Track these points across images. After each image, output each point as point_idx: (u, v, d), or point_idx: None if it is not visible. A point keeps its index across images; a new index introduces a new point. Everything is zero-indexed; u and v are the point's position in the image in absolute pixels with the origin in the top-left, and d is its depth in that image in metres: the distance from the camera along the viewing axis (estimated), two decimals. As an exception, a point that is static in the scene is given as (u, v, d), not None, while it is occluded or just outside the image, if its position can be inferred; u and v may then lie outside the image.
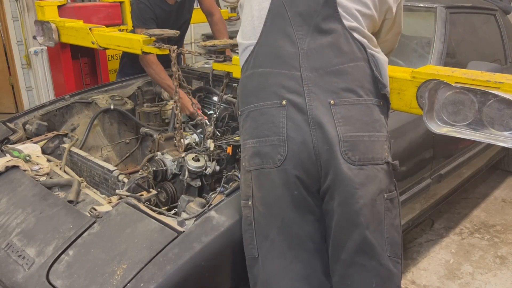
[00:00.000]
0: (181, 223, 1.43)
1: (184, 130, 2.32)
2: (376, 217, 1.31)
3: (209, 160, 1.97)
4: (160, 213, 1.53)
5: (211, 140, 2.04)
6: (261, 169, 1.34)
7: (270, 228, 1.34)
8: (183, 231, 1.39)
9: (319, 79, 1.34)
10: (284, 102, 1.32)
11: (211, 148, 2.00)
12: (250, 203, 1.37)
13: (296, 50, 1.37)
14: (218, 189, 1.61)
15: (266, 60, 1.39)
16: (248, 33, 1.46)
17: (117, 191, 1.71)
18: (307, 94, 1.32)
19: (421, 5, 2.65)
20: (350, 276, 1.33)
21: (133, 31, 2.81)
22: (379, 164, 1.32)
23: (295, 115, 1.31)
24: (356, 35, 1.39)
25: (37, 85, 4.31)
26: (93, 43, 2.65)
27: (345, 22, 1.39)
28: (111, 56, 4.04)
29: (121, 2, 3.83)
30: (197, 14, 3.35)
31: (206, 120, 2.30)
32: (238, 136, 2.10)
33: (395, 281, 1.35)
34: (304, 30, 1.39)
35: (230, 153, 2.03)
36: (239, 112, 1.44)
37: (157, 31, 2.22)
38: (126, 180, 1.77)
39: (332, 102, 1.32)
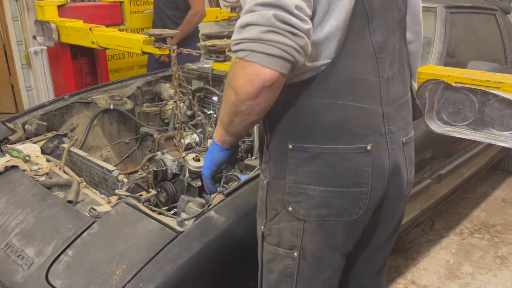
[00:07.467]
0: (180, 223, 1.42)
1: (184, 130, 2.32)
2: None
3: (209, 160, 1.97)
4: (159, 213, 1.53)
5: (212, 140, 2.03)
6: (326, 221, 1.14)
7: (315, 281, 1.22)
8: (183, 231, 1.38)
9: (394, 115, 1.17)
10: (369, 147, 1.10)
11: (211, 148, 1.99)
12: (295, 254, 1.18)
13: (377, 79, 1.12)
14: (218, 189, 1.61)
15: (345, 89, 1.09)
16: None
17: (116, 191, 1.70)
18: (388, 134, 1.14)
19: (421, 5, 2.65)
20: (378, 260, 1.40)
21: None
22: None
23: (380, 162, 1.12)
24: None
25: (37, 85, 4.31)
26: (93, 43, 2.65)
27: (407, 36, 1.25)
28: (111, 56, 4.04)
29: (121, 2, 3.83)
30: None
31: (203, 118, 2.29)
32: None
33: None
34: (384, 52, 1.14)
35: (230, 153, 2.03)
36: (290, 146, 1.11)
37: (157, 31, 2.23)
38: (125, 180, 1.76)
39: (404, 141, 1.20)
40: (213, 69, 2.38)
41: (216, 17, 4.41)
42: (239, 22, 0.96)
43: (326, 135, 1.10)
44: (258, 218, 1.27)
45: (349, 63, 1.09)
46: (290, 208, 1.15)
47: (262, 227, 1.24)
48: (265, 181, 1.20)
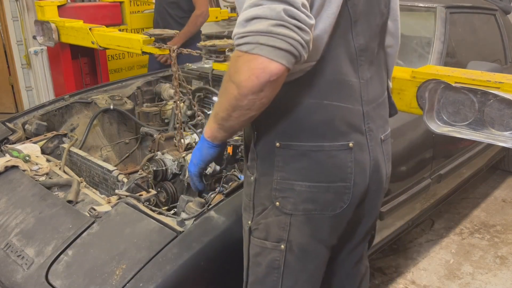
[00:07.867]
0: (180, 223, 1.42)
1: (184, 130, 2.32)
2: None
3: (209, 160, 1.96)
4: (159, 213, 1.53)
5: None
6: (312, 215, 1.18)
7: (302, 273, 1.26)
8: (183, 231, 1.39)
9: (373, 113, 1.22)
10: (351, 144, 1.14)
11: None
12: (282, 247, 1.21)
13: (358, 80, 1.17)
14: (218, 189, 1.61)
15: (331, 90, 1.13)
16: None
17: (116, 191, 1.70)
18: (367, 132, 1.19)
19: (421, 5, 2.65)
20: (358, 252, 1.46)
21: None
22: None
23: (361, 158, 1.17)
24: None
25: (37, 85, 4.31)
26: (93, 43, 2.65)
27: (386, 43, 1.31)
28: (111, 56, 4.04)
29: (121, 2, 3.84)
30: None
31: (203, 118, 2.29)
32: (238, 136, 2.10)
33: None
34: (364, 55, 1.18)
35: (231, 153, 2.03)
36: (278, 144, 1.14)
37: (157, 31, 2.23)
38: (125, 180, 1.76)
39: (382, 138, 1.25)
40: (213, 69, 2.39)
41: (216, 17, 4.42)
42: (243, 16, 0.95)
43: (312, 133, 1.13)
44: (245, 213, 1.28)
45: (334, 65, 1.12)
46: (277, 203, 1.18)
47: (249, 222, 1.25)
48: (252, 178, 1.22)
